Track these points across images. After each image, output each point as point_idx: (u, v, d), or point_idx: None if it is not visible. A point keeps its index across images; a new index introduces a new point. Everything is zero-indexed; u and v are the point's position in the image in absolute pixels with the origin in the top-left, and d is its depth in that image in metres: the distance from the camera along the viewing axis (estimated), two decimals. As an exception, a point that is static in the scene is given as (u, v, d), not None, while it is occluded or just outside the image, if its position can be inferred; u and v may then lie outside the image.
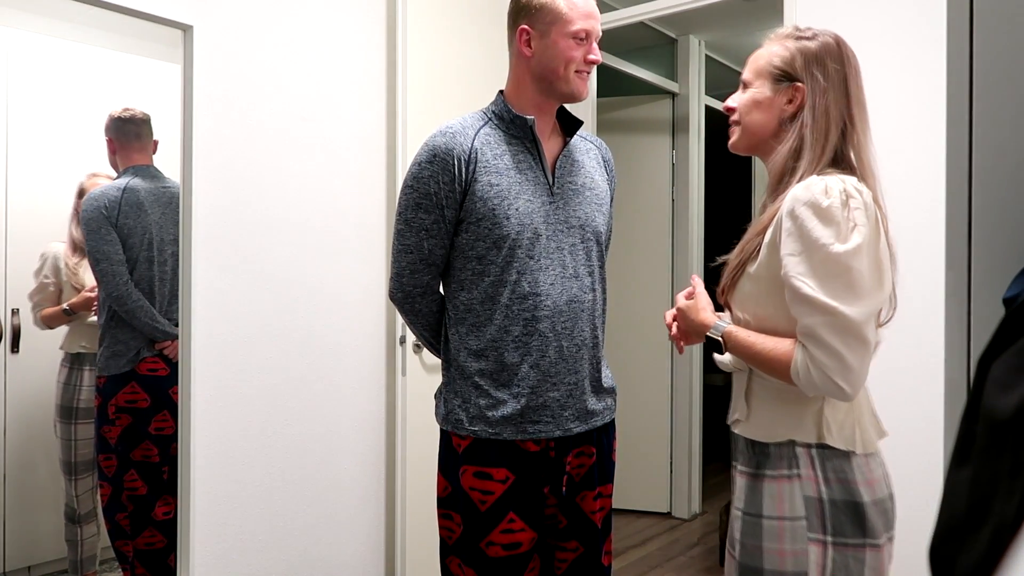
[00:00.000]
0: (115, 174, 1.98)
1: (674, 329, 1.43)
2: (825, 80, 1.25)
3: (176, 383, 1.98)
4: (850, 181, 1.19)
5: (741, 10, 3.61)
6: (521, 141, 1.59)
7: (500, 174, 1.53)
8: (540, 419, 1.55)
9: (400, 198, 1.58)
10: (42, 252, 1.92)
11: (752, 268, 1.26)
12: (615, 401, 1.70)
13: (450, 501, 1.63)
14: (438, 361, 2.43)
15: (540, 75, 1.57)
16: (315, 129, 2.27)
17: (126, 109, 1.97)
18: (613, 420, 1.70)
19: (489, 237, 1.52)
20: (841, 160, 1.27)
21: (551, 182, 1.59)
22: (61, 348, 1.93)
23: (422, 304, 1.63)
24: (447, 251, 1.58)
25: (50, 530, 1.92)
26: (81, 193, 1.95)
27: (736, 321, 1.32)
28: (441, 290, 1.66)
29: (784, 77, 1.29)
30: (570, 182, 1.62)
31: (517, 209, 1.53)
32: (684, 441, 4.02)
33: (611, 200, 1.73)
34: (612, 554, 1.75)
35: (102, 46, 1.94)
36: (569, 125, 1.66)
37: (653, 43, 4.14)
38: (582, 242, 1.60)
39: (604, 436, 1.67)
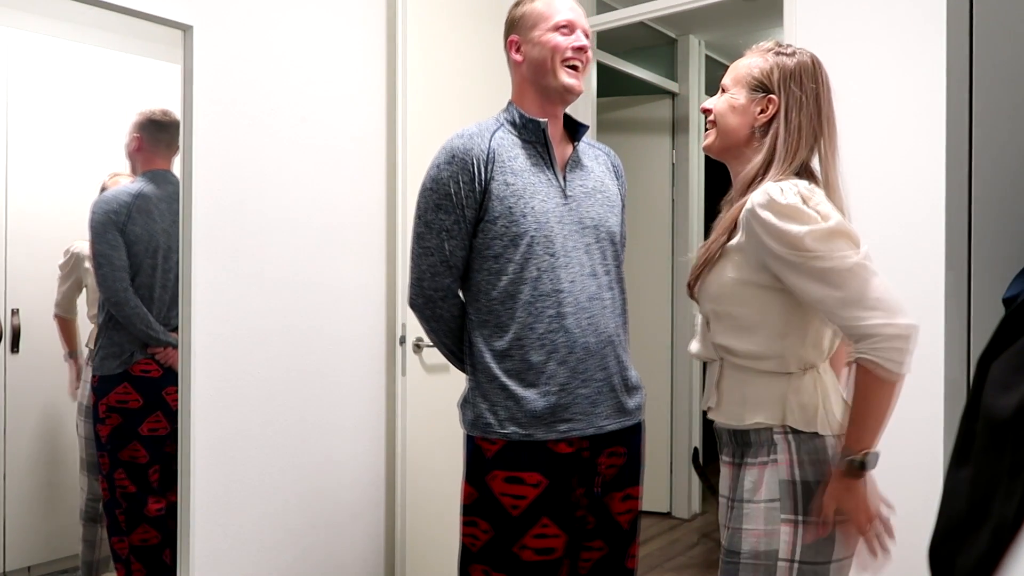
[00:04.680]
0: (131, 174, 1.98)
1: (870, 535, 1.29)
2: (801, 96, 1.34)
3: (170, 384, 1.98)
4: (801, 184, 1.27)
5: (741, 10, 3.61)
6: (533, 145, 1.61)
7: (515, 174, 1.56)
8: (572, 417, 1.55)
9: (419, 201, 1.61)
10: (66, 248, 1.92)
11: (718, 269, 1.34)
12: (643, 401, 1.70)
13: (476, 508, 1.58)
14: (438, 361, 2.44)
15: (533, 76, 1.61)
16: (315, 129, 2.27)
17: (164, 112, 1.97)
18: (642, 421, 1.69)
19: (506, 235, 1.54)
20: (807, 173, 1.34)
21: (563, 185, 1.61)
22: (87, 346, 1.94)
23: (443, 308, 1.63)
24: (467, 253, 1.59)
25: (50, 530, 1.92)
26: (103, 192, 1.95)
27: (705, 314, 1.40)
28: (461, 296, 1.66)
29: (760, 88, 1.36)
30: (581, 185, 1.64)
31: (533, 208, 1.55)
32: (684, 441, 4.02)
33: (623, 206, 1.75)
34: (637, 557, 1.73)
35: (102, 46, 1.93)
36: (576, 131, 1.70)
37: (653, 43, 4.14)
38: (596, 242, 1.62)
39: (635, 436, 1.66)
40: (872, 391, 1.22)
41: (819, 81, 1.35)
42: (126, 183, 1.97)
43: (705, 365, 1.45)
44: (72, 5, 1.80)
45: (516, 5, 1.66)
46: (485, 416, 1.57)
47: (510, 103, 1.67)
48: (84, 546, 1.96)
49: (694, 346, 1.44)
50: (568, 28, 1.59)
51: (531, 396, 1.54)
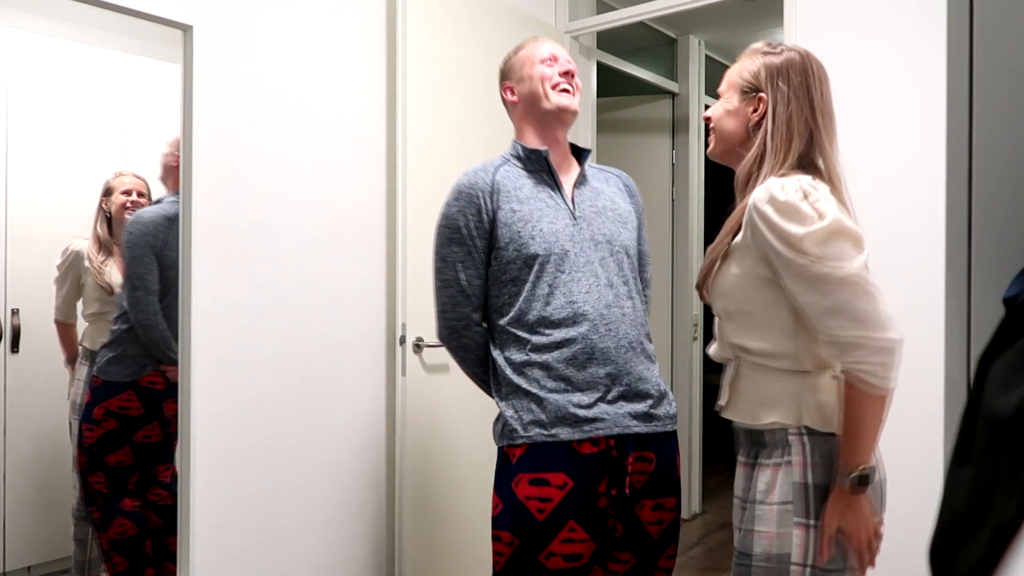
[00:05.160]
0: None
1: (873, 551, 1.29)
2: (788, 91, 1.34)
3: (171, 396, 1.98)
4: (805, 179, 1.26)
5: (741, 10, 3.61)
6: (538, 174, 1.71)
7: (521, 202, 1.66)
8: (596, 417, 1.57)
9: (435, 239, 1.72)
10: (64, 247, 1.92)
11: (724, 267, 1.34)
12: (675, 412, 1.70)
13: (501, 519, 1.59)
14: (438, 361, 2.44)
15: (528, 109, 1.72)
16: (315, 129, 2.27)
17: None
18: (675, 433, 1.70)
19: (518, 258, 1.63)
20: (808, 166, 1.33)
21: (572, 207, 1.69)
22: (82, 343, 1.94)
23: (467, 337, 1.70)
24: (484, 282, 1.68)
25: (50, 530, 1.92)
26: (107, 191, 1.95)
27: (718, 313, 1.40)
28: (485, 325, 1.73)
29: (750, 88, 1.38)
30: (591, 205, 1.71)
31: (541, 230, 1.63)
32: (684, 441, 4.02)
33: (640, 224, 1.82)
34: (671, 573, 1.71)
35: (102, 46, 1.93)
36: (580, 157, 1.79)
37: (653, 43, 4.14)
38: (611, 255, 1.67)
39: (666, 445, 1.67)
40: (860, 405, 1.22)
41: (808, 74, 1.35)
42: (157, 203, 1.98)
43: (720, 366, 1.44)
44: (72, 5, 1.80)
45: (504, 61, 1.81)
46: (511, 423, 1.60)
47: (514, 141, 1.77)
48: (76, 545, 1.95)
49: (712, 348, 1.43)
50: (552, 60, 1.72)
51: (553, 397, 1.58)
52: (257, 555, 2.11)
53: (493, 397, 1.70)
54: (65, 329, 1.93)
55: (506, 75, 1.79)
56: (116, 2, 1.82)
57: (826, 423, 1.26)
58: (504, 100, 1.80)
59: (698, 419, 4.05)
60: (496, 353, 1.67)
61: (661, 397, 1.67)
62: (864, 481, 1.22)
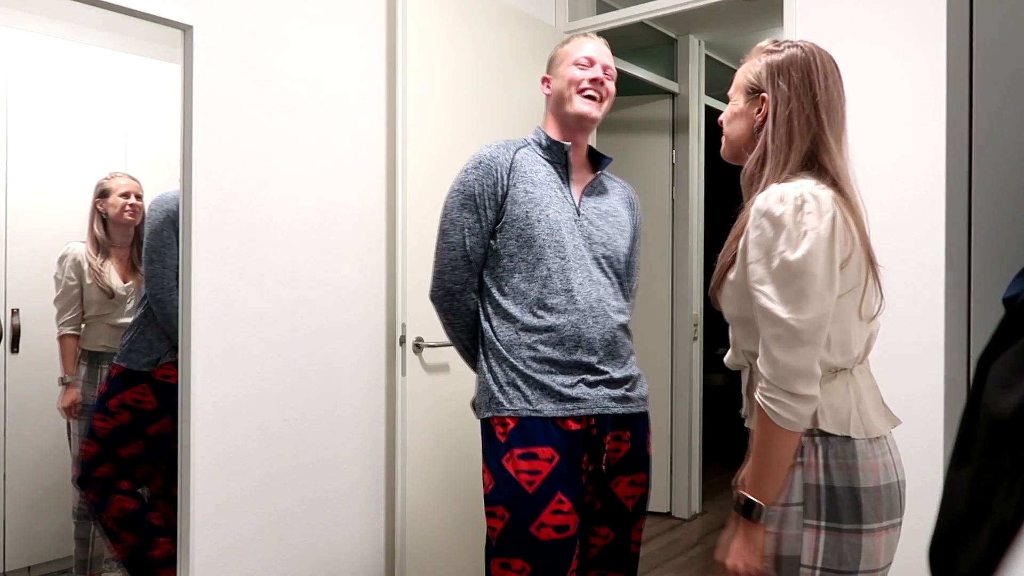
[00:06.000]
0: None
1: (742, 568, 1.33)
2: (788, 90, 1.31)
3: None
4: (808, 186, 1.23)
5: (741, 10, 3.61)
6: (555, 165, 1.78)
7: (535, 185, 1.73)
8: (578, 396, 1.67)
9: (446, 201, 1.76)
10: (61, 254, 1.92)
11: (732, 275, 1.32)
12: (646, 393, 1.83)
13: (493, 495, 1.67)
14: (438, 361, 2.44)
15: (555, 106, 1.79)
16: (315, 129, 2.27)
17: None
18: (647, 413, 1.82)
19: (521, 237, 1.70)
20: (814, 165, 1.30)
21: (577, 204, 1.76)
22: (80, 346, 1.94)
23: (460, 301, 1.76)
24: (484, 252, 1.73)
25: (50, 530, 1.92)
26: (102, 192, 1.95)
27: (728, 319, 1.38)
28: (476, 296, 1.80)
29: (753, 89, 1.36)
30: (595, 208, 1.79)
31: (548, 216, 1.70)
32: (684, 441, 4.02)
33: (635, 236, 1.90)
34: (640, 544, 1.85)
35: (102, 46, 1.94)
36: (599, 163, 1.86)
37: (653, 43, 4.14)
38: (604, 256, 1.76)
39: (640, 424, 1.78)
40: (763, 432, 1.24)
41: (811, 70, 1.32)
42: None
43: (720, 366, 1.44)
44: (72, 5, 1.80)
45: (552, 51, 1.87)
46: (496, 396, 1.69)
47: (538, 128, 1.83)
48: (77, 544, 1.96)
49: (727, 356, 1.42)
50: (588, 62, 1.76)
51: (538, 376, 1.66)
52: (256, 554, 2.11)
53: (477, 367, 1.76)
54: (72, 343, 1.94)
55: (548, 66, 1.86)
56: (116, 2, 1.82)
57: (841, 427, 1.26)
58: (543, 90, 1.87)
59: (698, 419, 4.05)
60: (486, 325, 1.73)
61: (636, 380, 1.78)
62: (746, 511, 1.24)
